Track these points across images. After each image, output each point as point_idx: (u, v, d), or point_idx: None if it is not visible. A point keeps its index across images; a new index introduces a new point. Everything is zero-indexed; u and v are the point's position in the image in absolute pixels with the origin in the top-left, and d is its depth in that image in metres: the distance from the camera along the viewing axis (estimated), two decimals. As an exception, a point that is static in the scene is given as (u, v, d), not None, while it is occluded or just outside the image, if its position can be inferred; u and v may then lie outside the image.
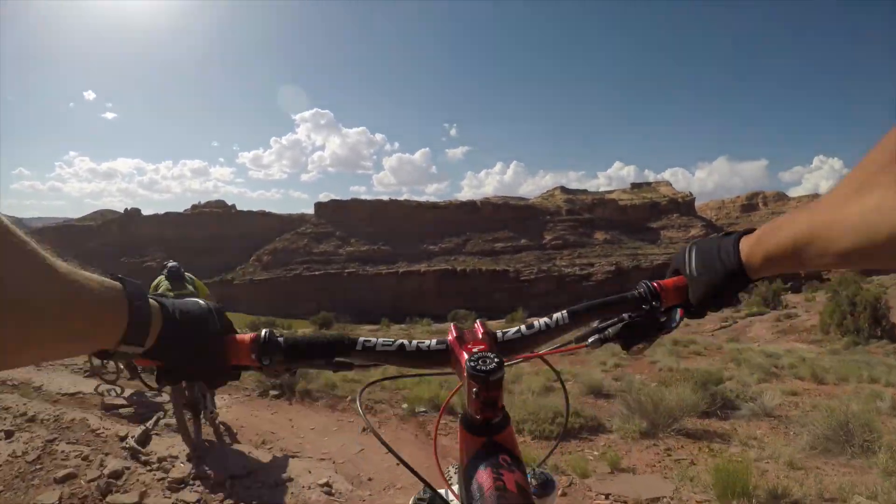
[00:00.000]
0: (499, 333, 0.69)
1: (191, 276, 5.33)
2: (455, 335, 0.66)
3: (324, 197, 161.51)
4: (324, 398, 5.93)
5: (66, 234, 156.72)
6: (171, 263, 5.18)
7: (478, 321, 0.70)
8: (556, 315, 0.70)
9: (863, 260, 0.50)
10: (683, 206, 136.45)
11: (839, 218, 0.50)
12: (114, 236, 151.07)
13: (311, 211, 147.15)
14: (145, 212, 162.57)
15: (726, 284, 0.68)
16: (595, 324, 0.74)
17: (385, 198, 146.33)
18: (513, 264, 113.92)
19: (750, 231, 0.69)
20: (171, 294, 4.87)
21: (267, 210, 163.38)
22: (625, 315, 0.72)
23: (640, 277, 0.73)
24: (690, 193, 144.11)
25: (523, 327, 0.70)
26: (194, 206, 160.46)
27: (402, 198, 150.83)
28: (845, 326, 15.00)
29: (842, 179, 0.51)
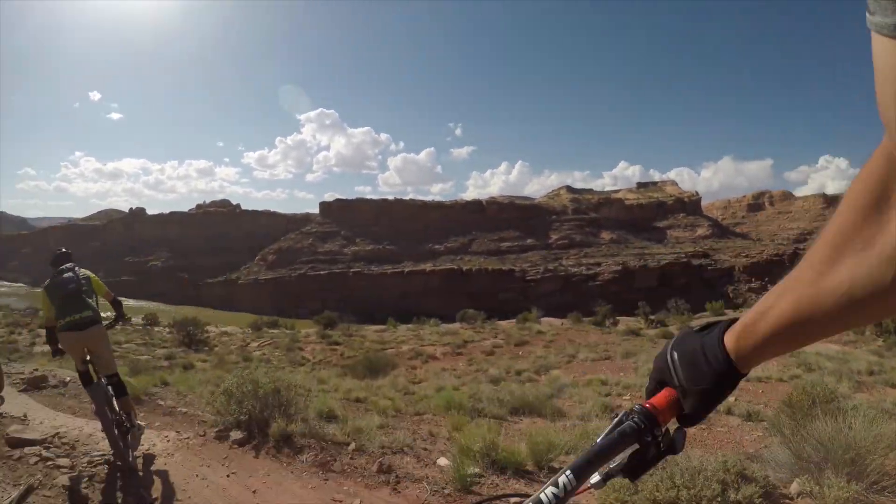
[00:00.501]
0: None
1: (87, 273, 4.49)
2: None
3: (329, 197, 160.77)
4: (311, 449, 4.00)
5: (70, 234, 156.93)
6: (65, 277, 4.28)
7: None
8: (562, 480, 0.65)
9: (849, 324, 0.54)
10: (689, 205, 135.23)
11: (822, 293, 0.52)
12: (118, 236, 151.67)
13: (316, 211, 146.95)
14: (151, 212, 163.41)
15: (720, 388, 0.66)
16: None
17: (390, 198, 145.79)
18: (519, 264, 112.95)
19: (732, 322, 0.67)
20: (75, 317, 4.13)
21: (272, 210, 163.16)
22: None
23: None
24: (696, 193, 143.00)
25: None
26: (199, 206, 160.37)
27: (407, 197, 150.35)
28: (883, 326, 14.31)
29: (810, 254, 0.55)
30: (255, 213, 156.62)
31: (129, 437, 4.04)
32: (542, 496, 0.64)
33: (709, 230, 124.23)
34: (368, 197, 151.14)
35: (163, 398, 6.03)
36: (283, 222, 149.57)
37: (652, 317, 25.38)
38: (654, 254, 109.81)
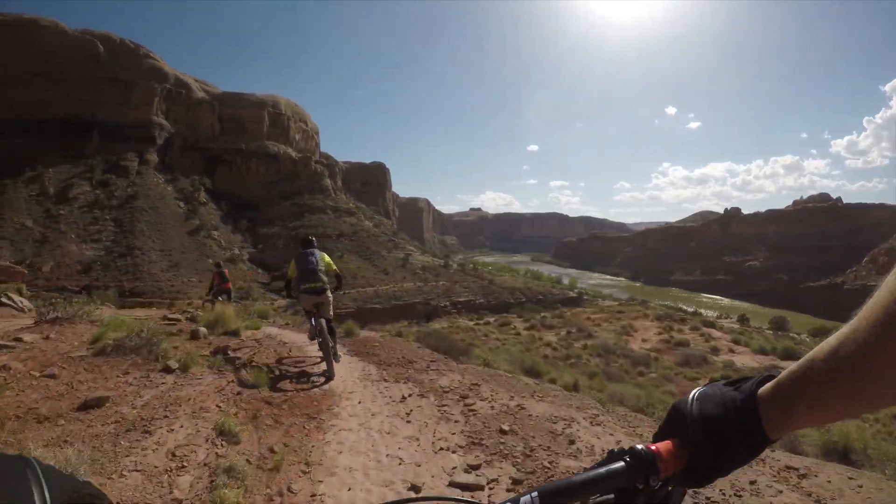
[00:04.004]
0: None
1: (323, 256, 6.40)
2: None
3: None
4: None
5: (668, 235, 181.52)
6: (310, 258, 6.21)
7: None
8: (524, 500, 0.52)
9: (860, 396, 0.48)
10: None
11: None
12: (714, 236, 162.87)
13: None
14: (745, 212, 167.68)
15: (738, 448, 0.56)
16: None
17: None
18: None
19: (768, 378, 0.57)
20: (312, 285, 6.17)
21: (880, 203, 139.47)
22: (610, 495, 0.57)
23: None
24: None
25: None
26: (795, 203, 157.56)
27: None
28: None
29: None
30: (860, 206, 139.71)
31: (331, 353, 5.85)
32: None
33: None
34: None
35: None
36: (893, 216, 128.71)
37: None
38: None
